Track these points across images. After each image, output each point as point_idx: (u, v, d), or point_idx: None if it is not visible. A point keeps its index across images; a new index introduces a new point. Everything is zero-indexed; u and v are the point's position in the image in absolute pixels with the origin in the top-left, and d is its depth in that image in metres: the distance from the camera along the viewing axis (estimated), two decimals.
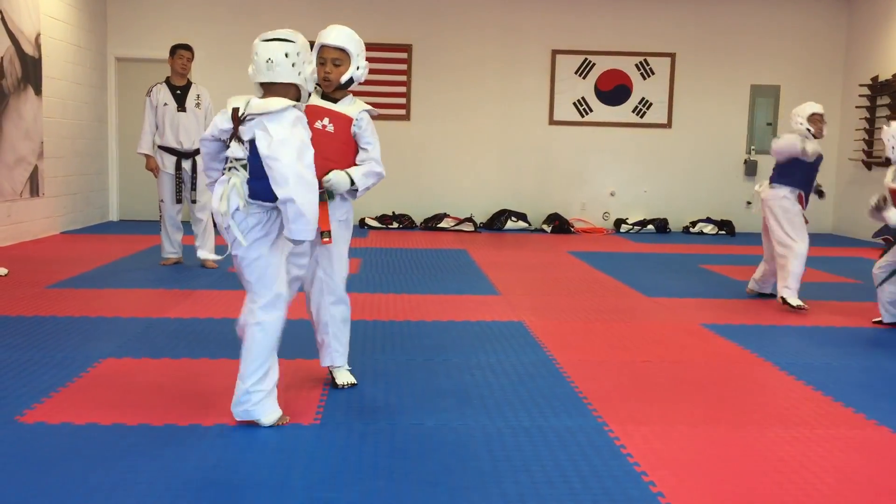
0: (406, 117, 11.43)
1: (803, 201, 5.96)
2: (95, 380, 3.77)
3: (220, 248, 6.97)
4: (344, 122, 3.56)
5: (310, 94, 3.27)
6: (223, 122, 3.12)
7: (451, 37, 11.37)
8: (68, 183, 9.70)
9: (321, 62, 3.54)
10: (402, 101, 11.39)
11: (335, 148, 3.53)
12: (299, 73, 3.10)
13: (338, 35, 3.54)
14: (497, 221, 11.35)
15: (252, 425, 3.17)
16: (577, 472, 2.85)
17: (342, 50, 3.53)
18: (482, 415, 3.42)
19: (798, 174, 5.94)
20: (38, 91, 8.79)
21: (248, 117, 3.03)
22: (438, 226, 11.09)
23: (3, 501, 2.52)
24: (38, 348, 4.27)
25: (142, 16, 10.94)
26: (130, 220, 11.07)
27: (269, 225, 3.12)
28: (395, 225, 11.18)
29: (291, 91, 3.12)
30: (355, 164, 3.62)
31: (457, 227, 11.02)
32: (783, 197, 5.91)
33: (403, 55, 11.31)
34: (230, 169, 3.11)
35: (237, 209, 3.07)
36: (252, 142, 3.03)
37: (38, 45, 8.78)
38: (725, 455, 3.06)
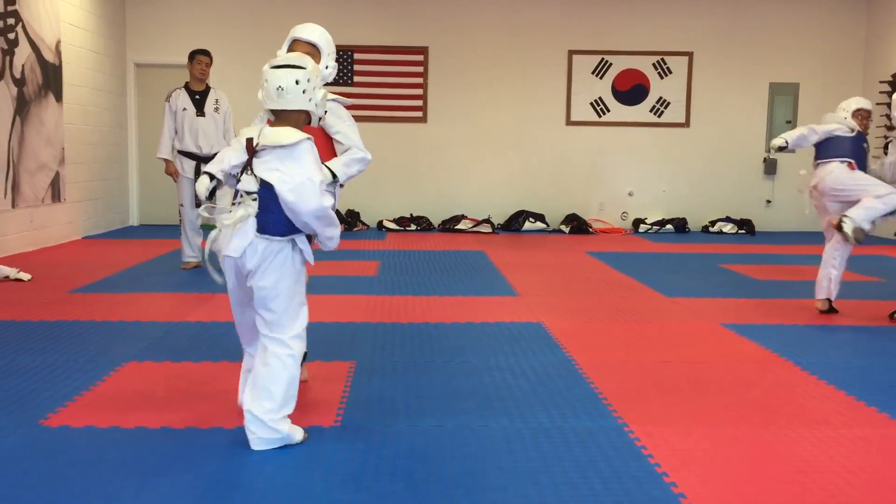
0: (423, 119, 11.45)
1: (855, 168, 5.64)
2: (118, 383, 3.80)
3: None
4: None
5: (320, 119, 3.19)
6: (237, 157, 3.06)
7: (467, 39, 11.37)
8: (89, 188, 9.80)
9: None
10: (419, 103, 11.41)
11: None
12: (310, 100, 3.06)
13: (311, 31, 3.58)
14: (515, 222, 11.33)
15: None
16: (598, 473, 2.84)
17: (313, 45, 3.56)
18: (502, 416, 3.42)
19: (841, 148, 5.67)
20: (58, 98, 8.88)
21: (261, 148, 2.99)
22: (456, 227, 11.09)
23: None
24: (62, 352, 4.31)
25: (160, 22, 11.04)
26: (151, 225, 11.16)
27: (283, 255, 3.03)
28: (413, 227, 11.19)
29: (303, 116, 3.10)
30: (335, 156, 3.63)
31: (474, 229, 11.02)
32: (831, 171, 5.61)
33: (420, 57, 11.33)
34: (239, 204, 3.02)
35: (251, 242, 2.98)
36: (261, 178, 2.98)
37: (58, 53, 8.88)
38: (747, 455, 3.04)
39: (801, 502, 2.65)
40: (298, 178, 2.94)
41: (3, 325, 4.94)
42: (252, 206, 2.99)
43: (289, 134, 3.00)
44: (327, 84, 3.63)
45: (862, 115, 5.81)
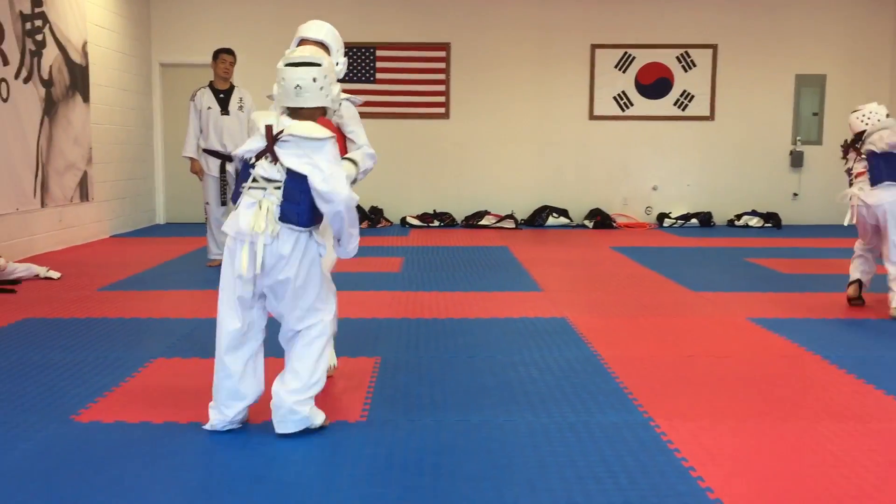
0: (445, 115, 11.45)
1: None
2: (147, 379, 3.85)
3: None
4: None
5: (335, 112, 3.24)
6: (255, 142, 3.07)
7: (489, 34, 11.36)
8: (116, 187, 9.91)
9: None
10: (441, 99, 11.41)
11: None
12: (327, 96, 3.10)
13: (318, 29, 3.59)
14: (538, 218, 11.31)
15: None
16: (624, 468, 2.84)
17: (322, 44, 3.56)
18: (527, 411, 3.43)
19: None
20: (85, 98, 8.99)
21: (286, 138, 3.00)
22: (479, 223, 11.08)
23: (61, 498, 2.59)
24: (92, 349, 4.38)
25: (184, 22, 11.13)
26: (177, 223, 11.26)
27: (303, 245, 3.06)
28: (436, 223, 11.20)
29: (318, 111, 3.12)
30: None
31: (498, 225, 11.01)
32: None
33: (442, 53, 11.33)
34: (258, 189, 3.03)
35: (272, 234, 2.99)
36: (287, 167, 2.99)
37: (85, 53, 8.98)
38: (775, 450, 3.02)
39: (830, 497, 2.63)
40: (329, 170, 2.98)
41: (34, 322, 5.01)
42: (276, 195, 3.01)
43: (318, 129, 3.03)
44: (340, 81, 3.65)
45: None
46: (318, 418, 3.16)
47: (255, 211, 3.00)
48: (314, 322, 3.11)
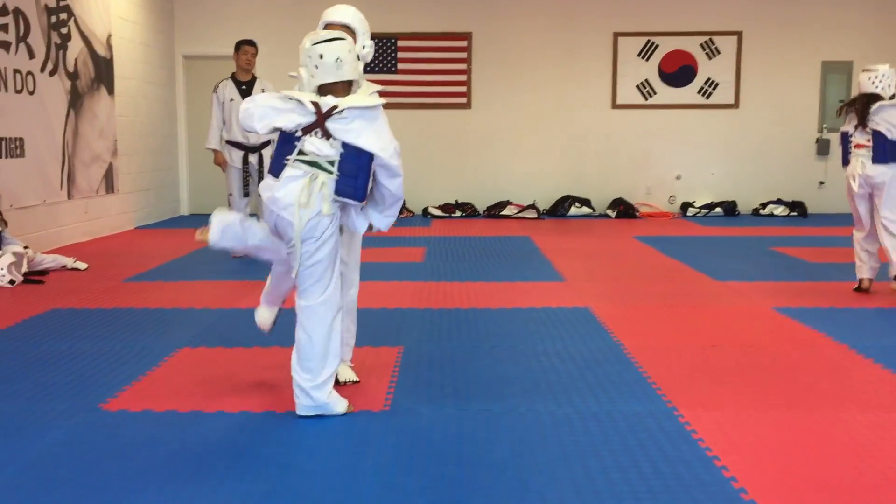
0: (467, 105, 11.43)
1: None
2: (173, 369, 3.90)
3: None
4: None
5: (359, 87, 3.28)
6: (297, 116, 3.10)
7: (510, 24, 11.31)
8: (141, 179, 10.00)
9: None
10: (463, 89, 11.39)
11: None
12: (356, 69, 3.18)
13: (344, 13, 3.53)
14: (560, 207, 11.27)
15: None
16: (648, 457, 2.83)
17: (348, 27, 3.51)
18: (550, 401, 3.43)
19: None
20: (110, 90, 9.07)
21: (340, 113, 3.05)
22: (501, 213, 11.07)
23: (90, 485, 2.63)
24: (119, 339, 4.43)
25: (207, 14, 11.18)
26: (201, 214, 11.34)
27: (335, 223, 3.15)
28: (458, 213, 11.20)
29: (348, 87, 3.17)
30: None
31: (520, 215, 10.99)
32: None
33: (463, 43, 11.30)
34: (304, 163, 3.08)
35: (318, 212, 3.06)
36: (344, 142, 3.06)
37: (109, 46, 9.06)
38: (800, 439, 3.00)
39: (856, 487, 2.61)
40: (391, 144, 3.09)
41: (63, 312, 5.09)
42: (325, 173, 3.06)
43: (368, 98, 3.11)
44: (366, 66, 3.65)
45: None
46: (340, 406, 3.19)
47: (305, 184, 3.05)
48: (311, 304, 3.14)
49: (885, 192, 5.34)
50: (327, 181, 3.07)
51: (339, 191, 3.08)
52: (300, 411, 3.19)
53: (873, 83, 5.43)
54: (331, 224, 3.12)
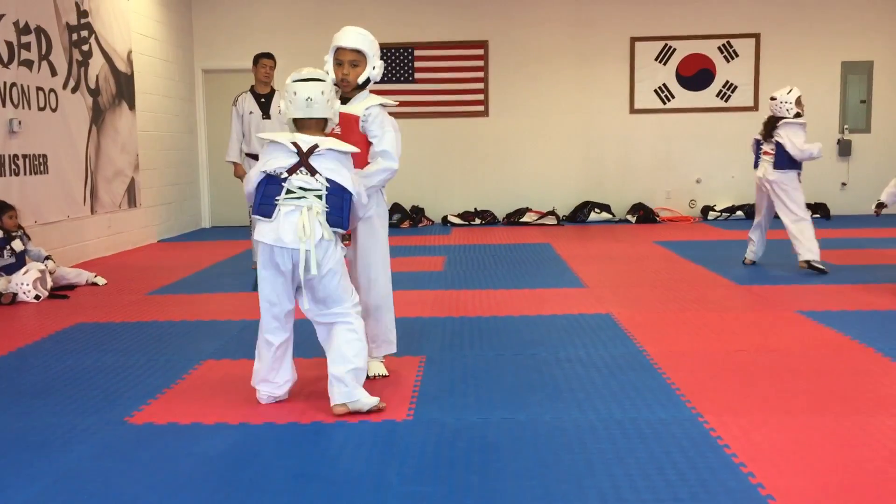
0: (485, 113, 11.45)
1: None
2: (197, 381, 3.92)
3: None
4: (351, 121, 3.67)
5: (335, 125, 3.51)
6: (285, 160, 3.30)
7: (526, 31, 11.32)
8: (163, 193, 10.09)
9: (338, 63, 3.69)
10: (480, 97, 11.41)
11: None
12: (331, 108, 3.38)
13: (354, 38, 3.68)
14: (580, 213, 11.25)
15: (346, 422, 3.25)
16: (673, 464, 2.81)
17: (358, 52, 3.66)
18: (573, 408, 3.42)
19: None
20: (131, 106, 9.17)
21: (321, 152, 3.29)
22: (521, 220, 11.06)
23: (118, 498, 2.65)
24: (143, 352, 4.47)
25: (225, 28, 11.29)
26: (222, 227, 11.43)
27: (337, 242, 3.36)
28: (478, 221, 11.21)
29: (322, 124, 3.39)
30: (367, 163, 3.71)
31: (539, 221, 10.98)
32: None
33: (480, 51, 11.33)
34: (295, 199, 3.27)
35: (322, 238, 3.26)
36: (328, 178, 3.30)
37: (130, 62, 9.16)
38: (827, 445, 2.96)
39: (886, 492, 2.58)
40: (357, 184, 3.41)
41: (87, 326, 5.14)
42: (319, 203, 3.27)
43: (343, 143, 3.38)
44: (377, 83, 3.83)
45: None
46: (368, 401, 3.32)
47: (302, 216, 3.24)
48: (340, 311, 3.36)
49: (779, 198, 6.60)
50: (321, 210, 3.27)
51: (330, 221, 3.29)
52: (336, 399, 3.30)
53: (773, 110, 6.73)
54: (332, 244, 3.32)
